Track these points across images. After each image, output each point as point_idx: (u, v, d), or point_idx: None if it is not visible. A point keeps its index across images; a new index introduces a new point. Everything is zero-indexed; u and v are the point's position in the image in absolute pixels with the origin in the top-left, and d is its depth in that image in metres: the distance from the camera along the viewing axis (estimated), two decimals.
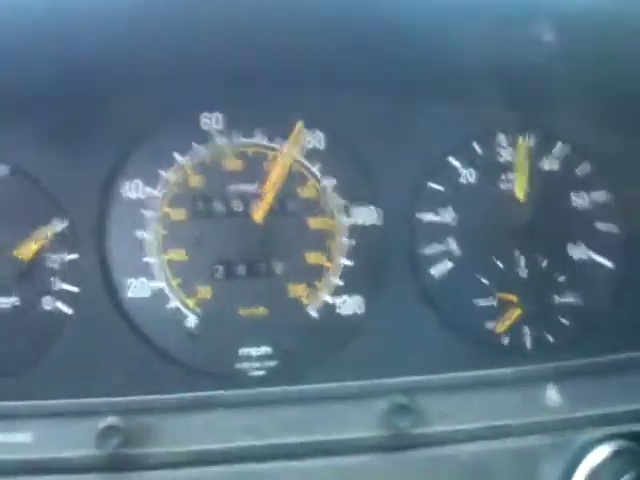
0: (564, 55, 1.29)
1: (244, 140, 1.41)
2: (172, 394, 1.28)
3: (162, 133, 1.39)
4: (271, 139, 1.41)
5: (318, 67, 1.35)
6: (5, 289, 1.33)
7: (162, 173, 1.38)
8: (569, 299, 1.47)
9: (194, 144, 1.39)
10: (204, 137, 1.40)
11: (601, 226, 1.50)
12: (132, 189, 1.37)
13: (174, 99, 1.39)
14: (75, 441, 1.20)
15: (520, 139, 1.48)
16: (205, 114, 1.40)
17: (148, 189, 1.38)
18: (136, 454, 1.21)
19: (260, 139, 1.41)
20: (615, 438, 1.28)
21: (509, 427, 1.29)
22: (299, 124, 1.41)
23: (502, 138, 1.49)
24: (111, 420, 1.21)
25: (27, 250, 1.33)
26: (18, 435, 1.22)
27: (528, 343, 1.45)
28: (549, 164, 1.50)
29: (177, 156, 1.38)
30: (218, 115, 1.41)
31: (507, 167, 1.48)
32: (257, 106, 1.41)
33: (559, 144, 1.50)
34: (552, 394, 1.36)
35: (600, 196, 1.50)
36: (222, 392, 1.30)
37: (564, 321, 1.46)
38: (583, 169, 1.50)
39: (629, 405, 1.33)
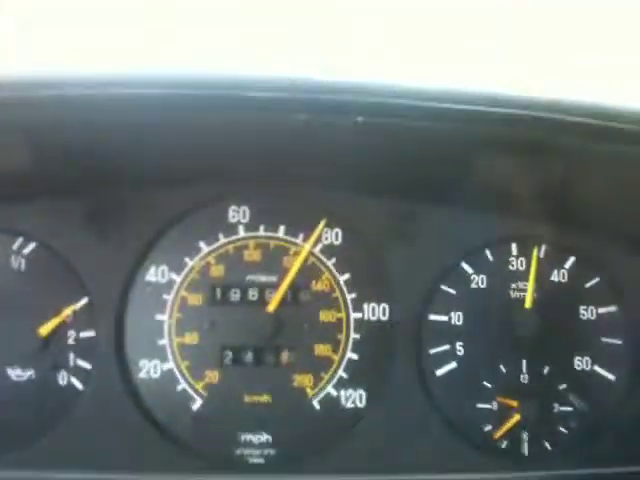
0: (581, 172, 1.34)
1: (267, 234, 1.47)
2: (172, 474, 1.33)
3: (191, 222, 1.45)
4: (293, 234, 1.47)
5: (341, 169, 1.41)
6: (23, 362, 1.37)
7: (187, 260, 1.44)
8: (570, 408, 1.48)
9: (220, 235, 1.46)
10: (230, 229, 1.46)
11: (607, 339, 1.51)
12: (157, 274, 1.43)
13: (205, 191, 1.46)
14: None
15: (534, 250, 1.52)
16: (233, 207, 1.47)
17: (171, 274, 1.44)
18: None
19: (282, 234, 1.47)
20: None
21: None
22: (322, 223, 1.47)
23: (515, 247, 1.52)
24: None
25: (48, 326, 1.37)
26: None
27: (525, 449, 1.46)
28: (559, 276, 1.52)
29: (203, 245, 1.45)
30: (245, 209, 1.48)
31: (518, 276, 1.51)
32: (283, 203, 1.48)
33: (570, 257, 1.53)
34: None
35: (608, 310, 1.52)
36: (220, 477, 1.35)
37: (563, 430, 1.47)
38: (592, 283, 1.53)
39: None
